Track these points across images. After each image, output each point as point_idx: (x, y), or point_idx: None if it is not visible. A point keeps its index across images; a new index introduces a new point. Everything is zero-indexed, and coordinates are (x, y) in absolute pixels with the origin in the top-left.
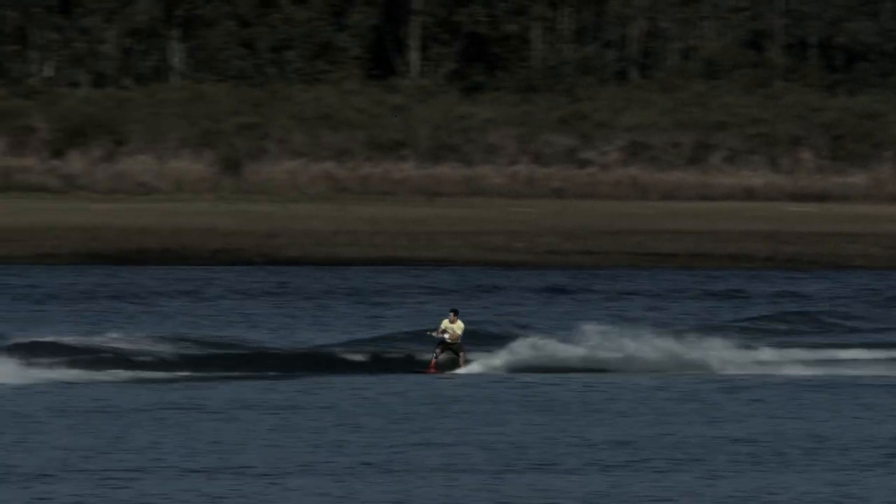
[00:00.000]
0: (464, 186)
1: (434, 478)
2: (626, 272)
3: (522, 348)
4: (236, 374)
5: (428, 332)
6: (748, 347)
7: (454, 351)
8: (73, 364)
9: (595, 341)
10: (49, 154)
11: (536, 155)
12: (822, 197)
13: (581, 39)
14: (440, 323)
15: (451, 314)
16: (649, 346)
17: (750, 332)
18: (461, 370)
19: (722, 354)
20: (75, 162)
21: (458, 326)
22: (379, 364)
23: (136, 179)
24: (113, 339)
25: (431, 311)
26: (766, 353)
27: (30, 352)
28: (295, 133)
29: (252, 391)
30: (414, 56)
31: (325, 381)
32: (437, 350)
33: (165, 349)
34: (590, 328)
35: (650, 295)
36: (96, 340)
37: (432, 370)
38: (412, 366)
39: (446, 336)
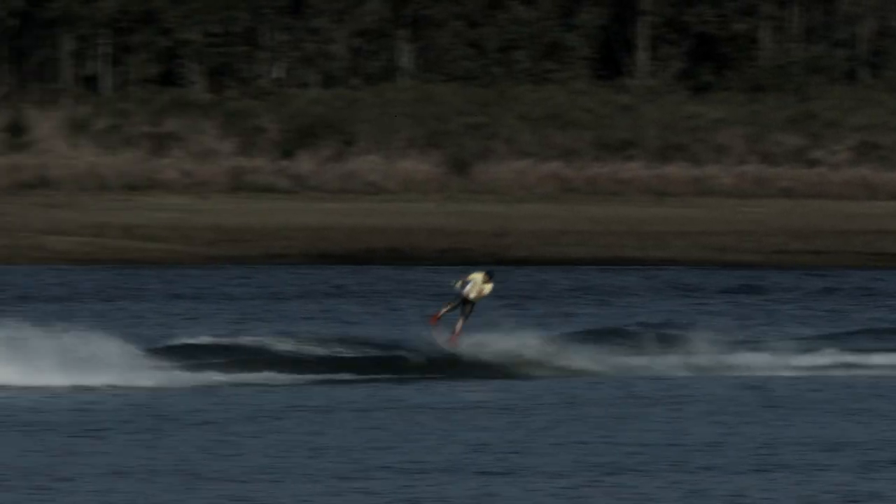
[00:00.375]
0: (692, 186)
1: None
2: (855, 272)
3: (705, 349)
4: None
5: (451, 283)
6: None
7: (464, 313)
8: (309, 368)
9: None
10: (279, 154)
11: (765, 154)
12: None
13: (810, 38)
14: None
15: (485, 275)
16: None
17: None
18: (452, 336)
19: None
20: (305, 162)
21: (488, 286)
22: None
23: (364, 179)
24: (339, 339)
25: (656, 308)
26: None
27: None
28: (523, 133)
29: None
30: (642, 56)
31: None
32: (449, 306)
33: (379, 351)
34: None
35: (880, 295)
36: (325, 343)
37: (434, 322)
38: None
39: (469, 287)
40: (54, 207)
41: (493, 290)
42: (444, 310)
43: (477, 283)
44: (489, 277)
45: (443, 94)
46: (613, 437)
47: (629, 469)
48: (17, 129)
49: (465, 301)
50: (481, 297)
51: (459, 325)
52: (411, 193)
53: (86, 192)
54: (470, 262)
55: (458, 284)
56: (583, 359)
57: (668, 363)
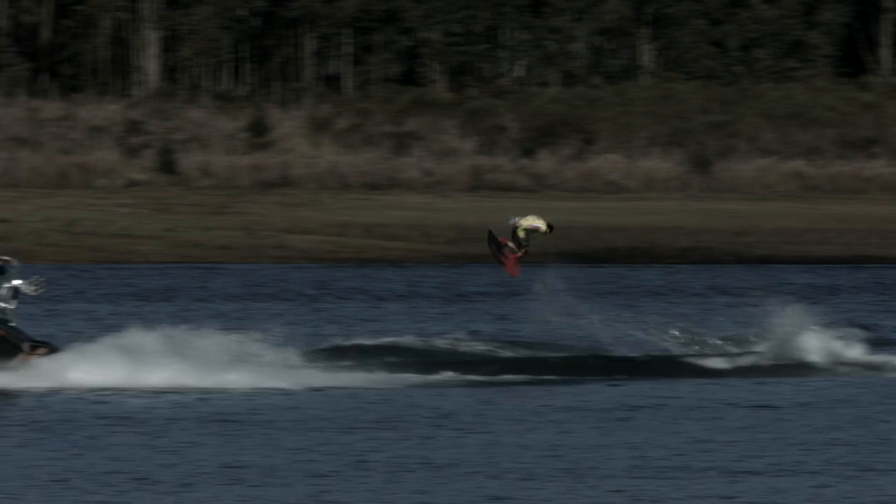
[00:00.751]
0: None
1: None
2: None
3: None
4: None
5: (510, 222)
6: None
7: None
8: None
9: None
10: (519, 153)
11: None
12: None
13: None
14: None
15: (547, 225)
16: None
17: None
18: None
19: None
20: (545, 161)
21: (540, 225)
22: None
23: (604, 178)
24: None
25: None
26: None
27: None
28: (764, 131)
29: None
30: (885, 53)
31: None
32: (517, 249)
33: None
34: None
35: None
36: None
37: (508, 259)
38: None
39: (530, 224)
40: (296, 206)
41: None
42: (519, 253)
43: (533, 221)
44: (550, 230)
45: (684, 92)
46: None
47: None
48: (259, 129)
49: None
50: (537, 229)
51: (518, 254)
52: (652, 192)
53: (327, 191)
54: (712, 260)
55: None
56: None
57: None
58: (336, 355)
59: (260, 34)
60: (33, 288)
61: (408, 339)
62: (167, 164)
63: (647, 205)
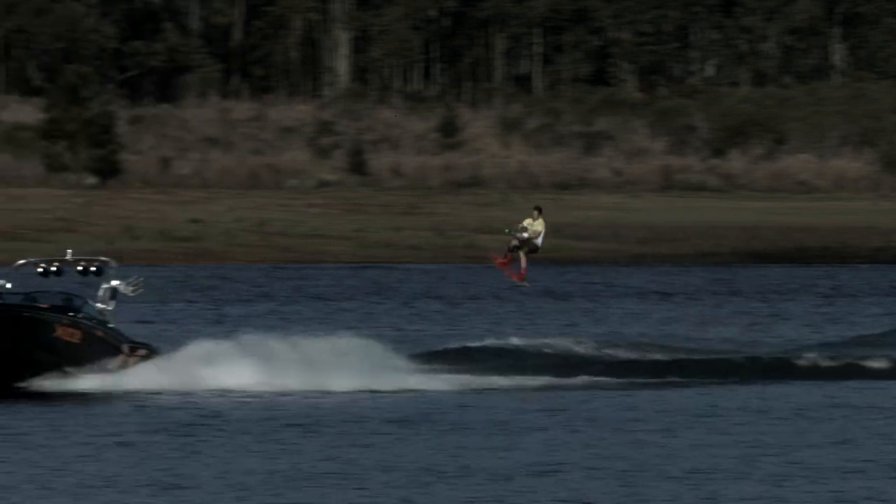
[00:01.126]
0: None
1: None
2: None
3: None
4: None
5: (506, 231)
6: None
7: (526, 252)
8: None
9: None
10: (709, 153)
11: None
12: None
13: None
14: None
15: (535, 211)
16: None
17: None
18: (521, 271)
19: None
20: (735, 161)
21: (539, 223)
22: None
23: (795, 178)
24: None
25: None
26: None
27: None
28: None
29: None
30: None
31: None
32: (511, 250)
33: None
34: None
35: None
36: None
37: (500, 262)
38: None
39: (525, 234)
40: (486, 206)
41: None
42: (508, 254)
43: (528, 224)
44: (539, 213)
45: (875, 91)
46: None
47: None
48: (450, 129)
49: (525, 242)
50: (538, 233)
51: (524, 262)
52: (843, 192)
53: (517, 191)
54: None
55: (517, 234)
56: None
57: None
58: (527, 356)
59: (450, 34)
60: (131, 289)
61: (591, 341)
62: (357, 165)
63: (839, 205)
